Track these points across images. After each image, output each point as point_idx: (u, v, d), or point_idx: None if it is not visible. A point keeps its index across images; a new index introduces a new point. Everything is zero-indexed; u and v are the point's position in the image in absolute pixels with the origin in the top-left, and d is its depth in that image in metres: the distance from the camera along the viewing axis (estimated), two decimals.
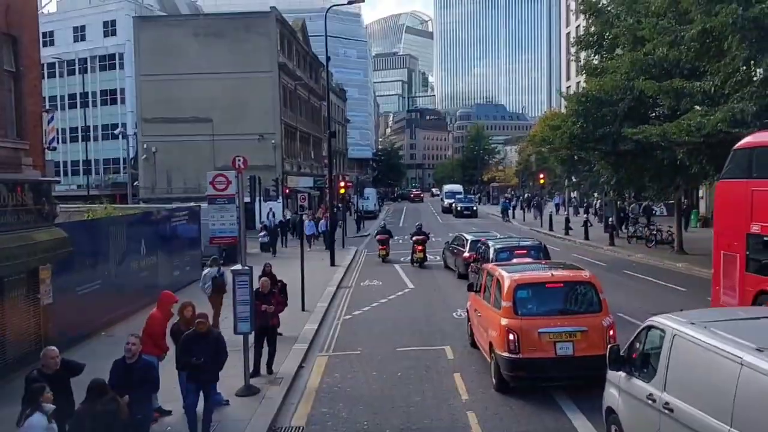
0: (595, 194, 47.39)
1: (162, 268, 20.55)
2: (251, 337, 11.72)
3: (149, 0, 69.71)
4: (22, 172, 12.65)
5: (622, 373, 7.86)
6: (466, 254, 22.66)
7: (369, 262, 29.96)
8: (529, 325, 10.55)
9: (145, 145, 49.07)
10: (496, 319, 11.10)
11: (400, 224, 56.42)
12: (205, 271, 16.30)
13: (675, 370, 6.75)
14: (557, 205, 58.55)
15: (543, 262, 15.25)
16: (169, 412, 10.01)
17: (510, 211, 55.52)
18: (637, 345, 7.77)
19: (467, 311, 14.45)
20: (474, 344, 13.54)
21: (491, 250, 18.94)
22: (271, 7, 51.84)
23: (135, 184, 50.18)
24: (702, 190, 36.01)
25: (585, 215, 41.34)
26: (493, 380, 11.23)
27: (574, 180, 42.10)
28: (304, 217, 28.66)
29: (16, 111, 12.74)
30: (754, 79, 19.60)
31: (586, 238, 35.11)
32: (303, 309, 17.71)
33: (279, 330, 13.10)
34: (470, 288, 14.18)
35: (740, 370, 5.71)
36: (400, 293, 21.18)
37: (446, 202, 69.60)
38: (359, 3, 32.36)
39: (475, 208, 61.02)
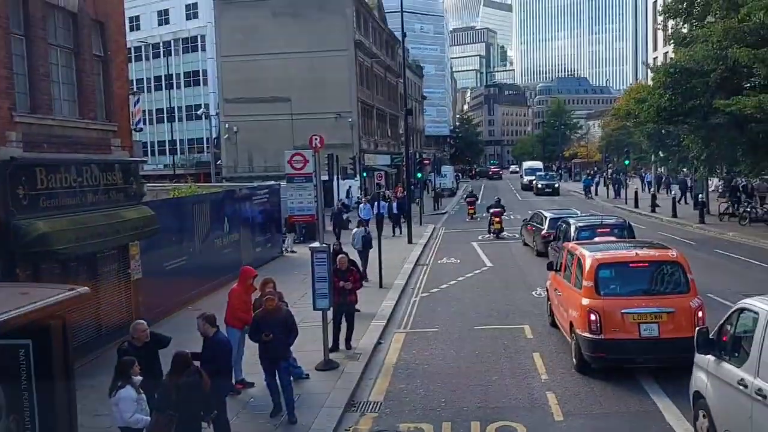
0: (684, 170, 45.47)
1: (244, 245, 21.08)
2: (330, 313, 11.90)
3: None
4: (111, 153, 13.22)
5: (711, 357, 7.46)
6: (545, 231, 22.44)
7: (447, 239, 29.82)
8: (612, 305, 10.25)
9: (227, 125, 50.39)
10: (577, 298, 10.85)
11: (479, 201, 55.79)
12: (354, 231, 20.96)
13: None
14: (649, 183, 55.64)
15: (627, 241, 14.71)
16: (252, 384, 10.31)
17: (593, 188, 54.09)
18: (728, 328, 7.36)
19: (547, 290, 14.12)
20: (554, 324, 13.23)
21: (572, 228, 18.23)
22: None
23: (218, 163, 51.73)
24: None
25: (672, 191, 39.57)
26: (574, 361, 10.99)
27: (661, 155, 40.53)
28: (363, 200, 29.17)
29: (104, 94, 13.28)
30: None
31: (674, 215, 33.71)
32: (381, 286, 17.83)
33: (357, 306, 13.25)
34: (550, 267, 14.00)
35: None
36: (477, 271, 20.98)
37: (526, 179, 67.50)
38: None
39: (556, 185, 58.65)
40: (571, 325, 11.07)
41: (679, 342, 9.51)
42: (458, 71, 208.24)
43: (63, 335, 5.24)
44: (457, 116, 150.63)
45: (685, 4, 29.19)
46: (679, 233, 28.55)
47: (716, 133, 26.43)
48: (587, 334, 10.30)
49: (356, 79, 49.58)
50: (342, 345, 12.45)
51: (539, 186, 57.78)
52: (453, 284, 18.98)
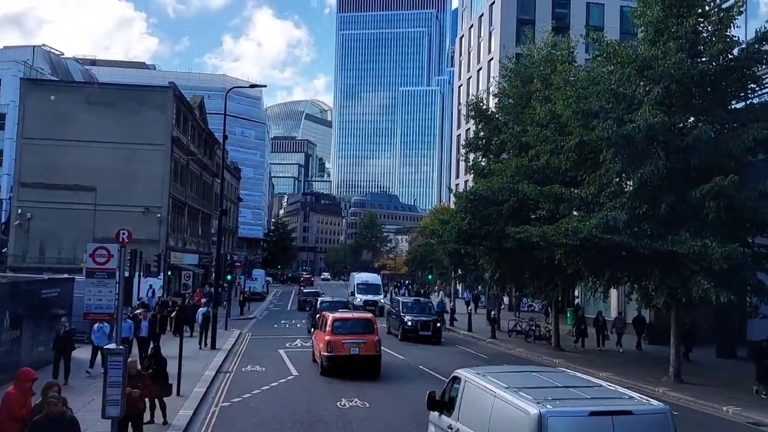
0: (479, 287, 48.73)
1: (25, 343, 18.97)
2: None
3: (40, 63, 67.33)
4: None
5: (436, 413, 10.47)
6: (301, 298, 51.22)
7: (253, 345, 29.07)
8: (338, 339, 21.35)
9: (19, 210, 46.14)
10: (323, 338, 21.80)
11: (288, 308, 55.39)
12: (199, 310, 28.85)
13: (464, 406, 9.46)
14: (467, 301, 47.27)
15: (353, 312, 28.37)
16: None
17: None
18: (447, 391, 10.35)
19: (312, 341, 24.95)
20: (314, 360, 23.22)
21: (318, 301, 35.69)
22: (170, 83, 51.65)
23: (3, 251, 46.83)
24: (578, 289, 37.86)
25: (468, 308, 42.31)
26: (319, 368, 21.67)
27: (460, 272, 43.29)
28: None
29: None
30: (626, 190, 21.26)
31: (470, 329, 35.87)
32: (178, 394, 16.73)
33: (146, 416, 12.32)
34: (314, 326, 25.96)
35: (494, 400, 8.49)
36: (283, 380, 20.52)
37: (360, 298, 47.39)
38: (261, 88, 32.79)
39: (438, 324, 32.62)
40: (321, 352, 21.75)
41: (367, 357, 21.38)
42: (277, 177, 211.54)
43: None
44: (273, 220, 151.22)
45: (484, 141, 32.52)
46: (475, 347, 30.32)
47: (507, 256, 28.78)
48: (326, 353, 21.21)
49: (170, 175, 48.26)
50: None
51: (408, 325, 31.88)
52: (256, 393, 18.35)
